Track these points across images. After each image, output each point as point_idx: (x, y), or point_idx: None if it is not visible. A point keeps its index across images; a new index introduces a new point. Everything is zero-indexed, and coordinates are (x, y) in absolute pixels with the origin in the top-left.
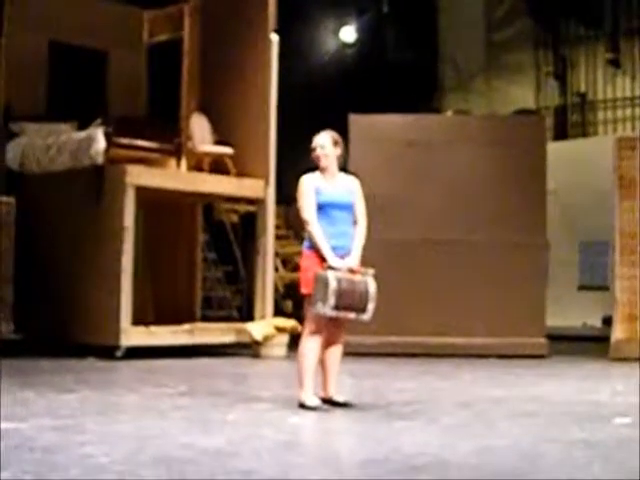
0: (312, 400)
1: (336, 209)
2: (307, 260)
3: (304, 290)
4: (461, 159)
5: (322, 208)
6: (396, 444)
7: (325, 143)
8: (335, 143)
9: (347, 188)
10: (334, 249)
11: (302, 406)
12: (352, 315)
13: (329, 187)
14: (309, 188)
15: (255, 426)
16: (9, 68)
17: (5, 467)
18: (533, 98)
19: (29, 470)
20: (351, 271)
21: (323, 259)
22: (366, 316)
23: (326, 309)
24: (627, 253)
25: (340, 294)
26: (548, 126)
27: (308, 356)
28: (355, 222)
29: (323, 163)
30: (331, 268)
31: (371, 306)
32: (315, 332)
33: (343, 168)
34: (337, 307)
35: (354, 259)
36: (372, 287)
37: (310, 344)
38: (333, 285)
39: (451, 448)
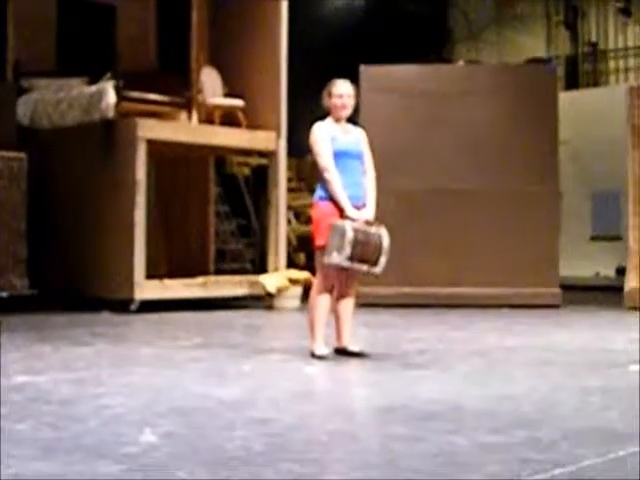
0: (321, 349)
1: (350, 158)
2: (319, 211)
3: (319, 241)
4: (473, 109)
5: (336, 157)
6: (411, 392)
7: (351, 93)
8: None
9: (357, 138)
10: (348, 198)
11: (313, 355)
12: (364, 268)
13: (343, 136)
14: (325, 135)
15: (271, 376)
16: (18, 24)
17: (24, 419)
18: (544, 48)
19: (47, 422)
20: (366, 223)
21: (339, 208)
22: (378, 269)
23: (341, 259)
24: None
25: (355, 245)
26: (559, 76)
27: (318, 309)
28: (364, 173)
29: (343, 112)
30: (348, 218)
31: (383, 259)
32: (325, 284)
33: (351, 119)
34: (351, 258)
35: (370, 211)
36: (386, 240)
37: (320, 296)
38: (350, 235)
39: (467, 396)
